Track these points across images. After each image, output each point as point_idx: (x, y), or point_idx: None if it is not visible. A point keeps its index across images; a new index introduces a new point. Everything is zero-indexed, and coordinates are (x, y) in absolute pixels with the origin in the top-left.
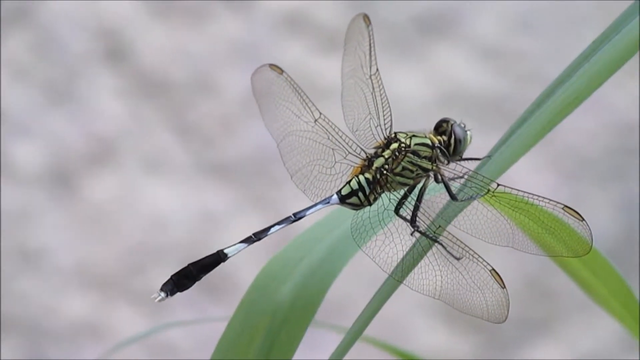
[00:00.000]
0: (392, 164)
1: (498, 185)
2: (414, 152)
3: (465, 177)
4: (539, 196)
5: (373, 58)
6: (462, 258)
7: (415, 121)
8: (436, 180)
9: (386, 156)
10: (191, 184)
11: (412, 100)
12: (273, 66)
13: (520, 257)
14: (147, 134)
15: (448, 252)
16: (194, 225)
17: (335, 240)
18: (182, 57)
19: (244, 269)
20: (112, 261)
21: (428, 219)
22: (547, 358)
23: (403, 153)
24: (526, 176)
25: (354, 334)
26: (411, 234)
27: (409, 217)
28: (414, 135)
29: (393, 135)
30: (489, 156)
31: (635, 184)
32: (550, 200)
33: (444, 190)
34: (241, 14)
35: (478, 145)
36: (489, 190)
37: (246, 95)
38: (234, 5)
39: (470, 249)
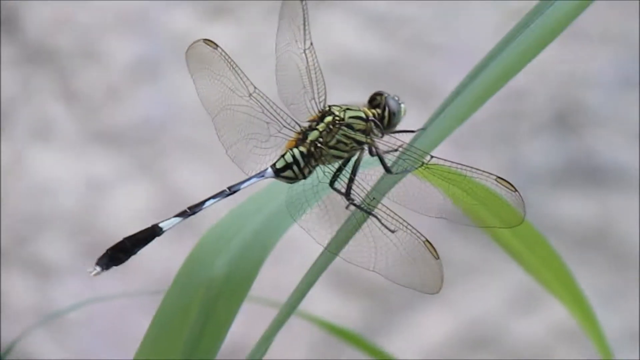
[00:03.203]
0: (327, 137)
1: (432, 157)
2: (348, 125)
3: (400, 149)
4: (472, 167)
5: (307, 32)
6: (396, 231)
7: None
8: (370, 153)
9: (320, 129)
10: (79, 152)
11: None
12: (207, 41)
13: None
14: (34, 102)
15: (383, 224)
16: (82, 193)
17: (269, 214)
18: (69, 26)
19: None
20: (1, 230)
21: (362, 191)
22: (433, 322)
23: (337, 126)
24: None
25: (289, 308)
26: (346, 207)
27: (343, 190)
28: (348, 109)
29: (327, 108)
30: (423, 128)
31: (520, 148)
32: (484, 171)
33: (378, 163)
34: None
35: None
36: (423, 162)
37: (133, 64)
38: None
39: (405, 220)
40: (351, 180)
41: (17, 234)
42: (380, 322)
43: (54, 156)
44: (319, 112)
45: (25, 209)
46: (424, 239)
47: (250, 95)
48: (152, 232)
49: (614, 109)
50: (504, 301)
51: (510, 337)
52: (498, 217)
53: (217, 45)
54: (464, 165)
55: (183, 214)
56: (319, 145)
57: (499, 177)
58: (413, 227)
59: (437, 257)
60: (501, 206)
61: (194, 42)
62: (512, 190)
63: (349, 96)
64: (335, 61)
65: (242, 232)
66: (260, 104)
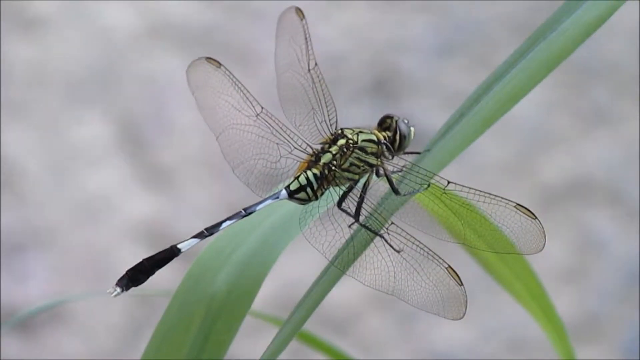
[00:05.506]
0: (340, 160)
1: (449, 182)
2: (361, 148)
3: (404, 169)
4: (490, 194)
5: (310, 52)
6: (402, 251)
7: (125, 54)
8: (377, 174)
9: (334, 152)
10: None
11: (122, 30)
12: (210, 59)
13: None
14: None
15: (389, 244)
16: None
17: (269, 230)
18: None
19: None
20: None
21: (371, 211)
22: None
23: (350, 149)
24: None
25: (293, 327)
26: (349, 226)
27: (351, 211)
28: (360, 132)
29: (340, 131)
30: (427, 150)
31: (339, 113)
32: (502, 198)
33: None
34: None
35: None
36: (429, 184)
37: None
38: None
39: (425, 246)
40: (361, 200)
41: None
42: None
43: None
44: (331, 134)
45: None
46: (446, 265)
47: (257, 115)
48: (170, 253)
49: (431, 75)
50: (320, 268)
51: (324, 301)
52: (496, 252)
53: (220, 64)
54: (483, 192)
55: (200, 235)
56: (332, 167)
57: (519, 205)
58: (435, 253)
59: (461, 284)
60: (504, 247)
61: (196, 60)
62: (532, 217)
63: (173, 61)
64: (156, 25)
65: (242, 248)
66: (269, 124)
